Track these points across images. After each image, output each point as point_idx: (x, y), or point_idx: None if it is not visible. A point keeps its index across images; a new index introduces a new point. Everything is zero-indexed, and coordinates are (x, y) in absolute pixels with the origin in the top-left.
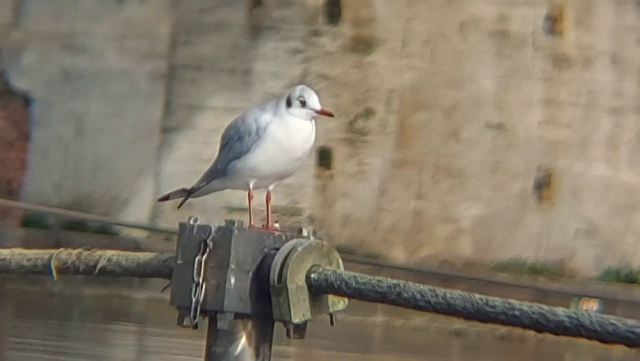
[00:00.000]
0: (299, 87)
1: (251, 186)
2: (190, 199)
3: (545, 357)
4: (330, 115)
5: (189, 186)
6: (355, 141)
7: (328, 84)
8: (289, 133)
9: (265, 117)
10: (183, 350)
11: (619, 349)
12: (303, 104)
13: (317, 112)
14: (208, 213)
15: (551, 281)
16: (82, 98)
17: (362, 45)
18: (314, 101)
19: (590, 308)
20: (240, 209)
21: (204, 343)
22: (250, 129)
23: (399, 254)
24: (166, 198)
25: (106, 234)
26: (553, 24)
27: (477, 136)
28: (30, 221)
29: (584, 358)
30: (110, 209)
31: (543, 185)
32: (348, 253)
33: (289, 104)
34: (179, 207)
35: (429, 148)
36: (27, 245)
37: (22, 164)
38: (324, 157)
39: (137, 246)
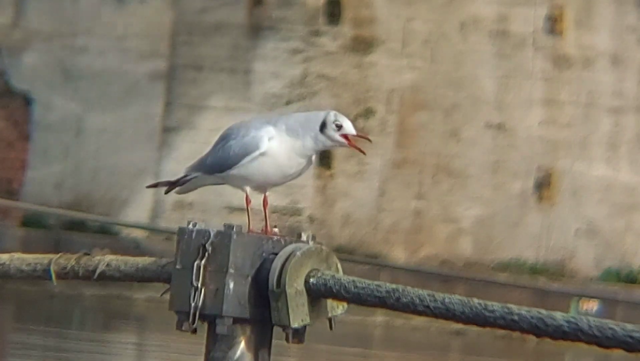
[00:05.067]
0: (333, 112)
1: (248, 191)
2: (191, 199)
3: (545, 356)
4: (367, 138)
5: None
6: (356, 141)
7: (328, 84)
8: (287, 153)
9: (268, 130)
10: (183, 351)
11: (618, 351)
12: (339, 127)
13: (351, 137)
14: (209, 213)
15: (551, 281)
16: (82, 98)
17: (362, 45)
18: (349, 126)
19: (590, 308)
20: (241, 210)
21: (204, 345)
22: (247, 135)
23: (399, 254)
24: (155, 186)
25: (106, 234)
26: (553, 24)
27: (477, 136)
28: (31, 221)
29: (584, 357)
30: (110, 209)
31: (543, 185)
32: (348, 253)
33: (322, 128)
34: (165, 193)
35: (429, 148)
36: (27, 245)
37: (22, 164)
38: (324, 157)
39: (137, 246)
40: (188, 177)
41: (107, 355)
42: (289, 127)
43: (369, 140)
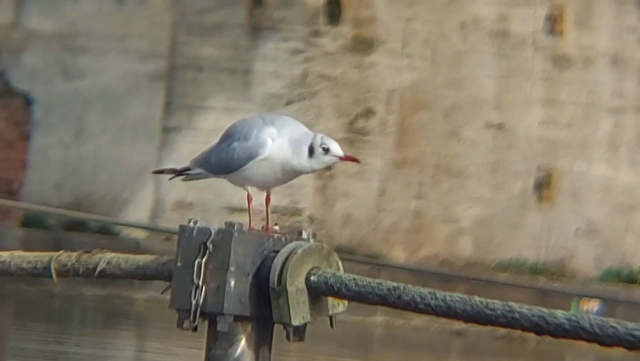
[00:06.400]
0: (319, 136)
1: (249, 190)
2: (191, 199)
3: (545, 357)
4: (356, 160)
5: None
6: (356, 141)
7: (328, 84)
8: (284, 161)
9: (271, 131)
10: (183, 350)
11: (619, 350)
12: (326, 151)
13: (340, 158)
14: (209, 213)
15: (551, 281)
16: (82, 98)
17: (363, 45)
18: (336, 148)
19: (590, 308)
20: (241, 210)
21: (204, 344)
22: (250, 137)
23: (399, 254)
24: (161, 172)
25: (106, 234)
26: (553, 24)
27: (477, 136)
28: (31, 222)
29: (584, 358)
30: (110, 209)
31: (543, 185)
32: (348, 253)
33: (311, 152)
34: (170, 179)
35: (429, 148)
36: (27, 245)
37: (23, 164)
38: None
39: (137, 246)
40: (191, 172)
41: (107, 354)
42: (291, 138)
43: (358, 162)
